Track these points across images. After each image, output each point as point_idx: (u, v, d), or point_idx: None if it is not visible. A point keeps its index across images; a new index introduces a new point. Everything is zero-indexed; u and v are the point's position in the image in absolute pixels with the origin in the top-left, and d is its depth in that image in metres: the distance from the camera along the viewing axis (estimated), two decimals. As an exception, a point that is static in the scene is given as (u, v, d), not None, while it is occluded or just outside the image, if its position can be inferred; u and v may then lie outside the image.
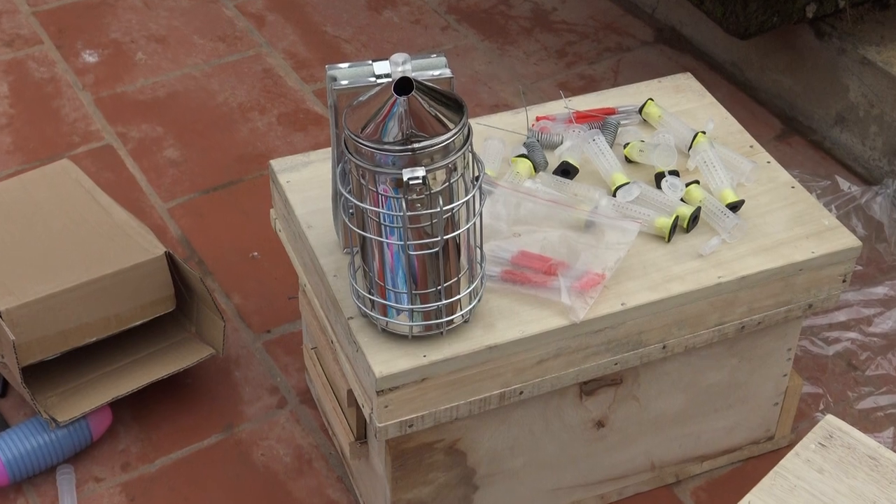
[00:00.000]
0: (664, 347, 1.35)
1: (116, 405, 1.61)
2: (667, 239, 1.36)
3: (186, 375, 1.69)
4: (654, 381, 1.41)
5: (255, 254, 1.89)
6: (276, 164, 1.47)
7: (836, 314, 1.74)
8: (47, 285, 1.54)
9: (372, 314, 1.24)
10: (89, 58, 2.31)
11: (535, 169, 1.43)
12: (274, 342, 1.76)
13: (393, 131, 1.12)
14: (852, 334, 1.71)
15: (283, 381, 1.70)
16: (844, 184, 1.94)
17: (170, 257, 1.60)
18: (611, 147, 1.45)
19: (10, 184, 1.76)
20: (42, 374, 1.57)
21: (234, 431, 1.63)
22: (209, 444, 1.62)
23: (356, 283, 1.24)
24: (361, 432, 1.40)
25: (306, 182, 1.44)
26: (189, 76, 2.27)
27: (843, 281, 1.39)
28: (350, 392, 1.34)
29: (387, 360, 1.23)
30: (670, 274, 1.33)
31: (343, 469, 1.57)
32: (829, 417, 1.18)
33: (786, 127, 2.13)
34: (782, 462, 1.13)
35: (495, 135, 1.46)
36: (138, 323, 1.60)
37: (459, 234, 1.19)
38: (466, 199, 1.17)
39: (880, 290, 1.77)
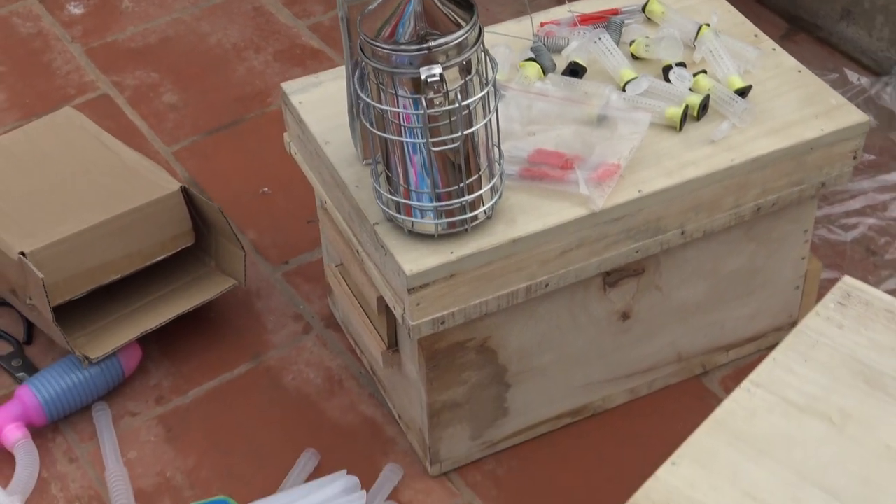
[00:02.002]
0: (683, 233, 1.49)
1: (145, 343, 1.76)
2: (678, 128, 1.50)
3: (210, 310, 1.83)
4: (675, 270, 1.56)
5: (266, 189, 2.03)
6: (287, 86, 1.61)
7: (851, 202, 1.89)
8: (68, 226, 1.68)
9: (398, 216, 1.38)
10: (74, 10, 2.44)
11: (544, 72, 1.58)
12: (293, 272, 1.90)
13: (408, 32, 1.26)
14: (869, 220, 1.86)
15: (306, 308, 1.85)
16: (853, 76, 2.08)
17: (185, 192, 1.74)
18: (617, 46, 1.59)
19: (15, 135, 1.90)
20: (69, 315, 1.71)
21: (262, 359, 1.78)
22: (239, 373, 1.76)
23: (380, 187, 1.39)
24: (393, 340, 1.55)
25: (318, 102, 1.58)
26: (179, 20, 2.41)
27: (854, 157, 1.54)
28: (380, 299, 1.49)
29: (415, 259, 1.37)
30: (684, 160, 1.47)
31: (374, 386, 1.72)
32: (846, 278, 1.33)
33: (791, 25, 2.28)
34: (803, 321, 1.28)
35: (501, 42, 1.60)
36: (160, 258, 1.74)
37: (477, 131, 1.33)
38: (482, 94, 1.31)
39: (895, 177, 1.92)
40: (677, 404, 1.68)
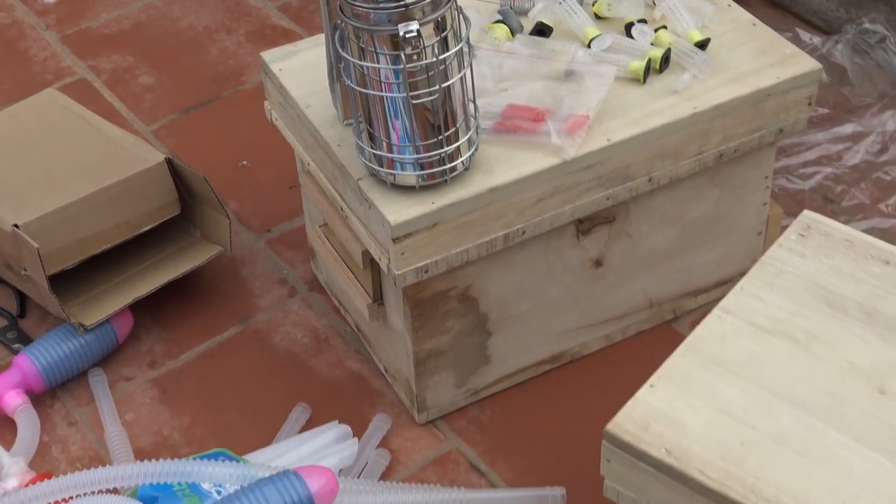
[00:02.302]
0: (650, 180, 1.57)
1: (135, 311, 1.82)
2: (642, 80, 1.58)
3: (197, 277, 1.90)
4: (644, 217, 1.63)
5: (245, 162, 2.09)
6: (266, 55, 1.68)
7: (807, 154, 1.97)
8: (58, 199, 1.74)
9: (381, 170, 1.45)
10: (47, -1, 2.49)
11: (512, 33, 1.65)
12: (275, 240, 1.97)
13: (385, -9, 1.33)
14: (825, 170, 1.94)
15: (290, 272, 1.91)
16: (805, 35, 2.17)
17: (170, 163, 1.80)
18: (580, 6, 1.66)
19: (-1, 117, 1.96)
20: (62, 286, 1.76)
21: (250, 322, 1.84)
22: (228, 336, 1.83)
23: (363, 143, 1.45)
24: (378, 294, 1.61)
25: (297, 69, 1.65)
26: (150, 6, 2.46)
27: (809, 104, 1.62)
28: (365, 253, 1.55)
29: (398, 210, 1.44)
30: (649, 110, 1.55)
31: (360, 342, 1.79)
32: (806, 212, 1.41)
33: (743, -10, 2.35)
34: (768, 252, 1.36)
35: (471, 6, 1.67)
36: (147, 228, 1.80)
37: (453, 85, 1.40)
38: (456, 48, 1.38)
39: (848, 128, 2.01)
40: (650, 349, 1.76)
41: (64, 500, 1.42)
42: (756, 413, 1.21)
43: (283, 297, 1.88)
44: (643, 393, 1.24)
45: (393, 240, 1.44)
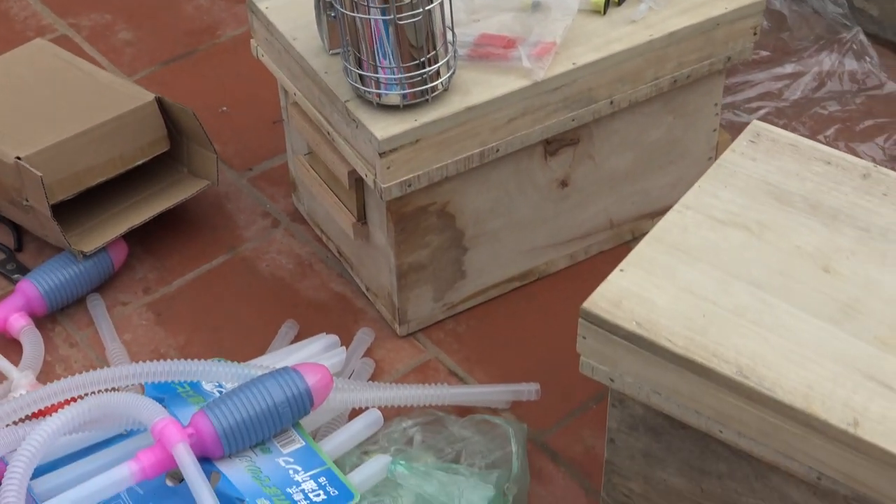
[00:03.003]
0: (612, 103, 1.70)
1: (129, 242, 1.92)
2: (602, 12, 1.71)
3: (185, 212, 2.01)
4: (605, 140, 1.77)
5: (225, 108, 2.21)
6: (253, -5, 1.80)
7: (750, 91, 2.12)
8: (55, 135, 1.85)
9: (368, 91, 1.57)
10: (25, -38, 2.58)
11: (481, -27, 1.77)
12: (258, 177, 2.08)
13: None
14: (768, 105, 2.09)
15: (273, 206, 2.03)
16: (747, -14, 2.31)
17: (160, 102, 1.91)
18: (543, -52, 1.79)
19: (-9, 65, 2.05)
20: (60, 217, 1.87)
21: (237, 251, 1.96)
22: (217, 263, 1.94)
23: (350, 66, 1.57)
24: (362, 213, 1.73)
25: (283, 6, 1.76)
26: (126, -33, 2.56)
27: (754, 34, 1.76)
28: (351, 173, 1.68)
29: (384, 127, 1.57)
30: (609, 38, 1.68)
31: (342, 267, 1.91)
32: (756, 122, 1.55)
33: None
34: (722, 156, 1.50)
35: (442, -52, 1.80)
36: (140, 162, 1.91)
37: (434, 9, 1.53)
38: (438, -25, 1.51)
39: (788, 68, 2.15)
40: (611, 268, 1.87)
41: (72, 399, 1.52)
42: (715, 291, 1.35)
43: (267, 228, 1.99)
44: (614, 276, 1.37)
45: (380, 154, 1.57)
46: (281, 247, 1.96)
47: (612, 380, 1.36)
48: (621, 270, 1.38)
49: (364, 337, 1.79)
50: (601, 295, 1.35)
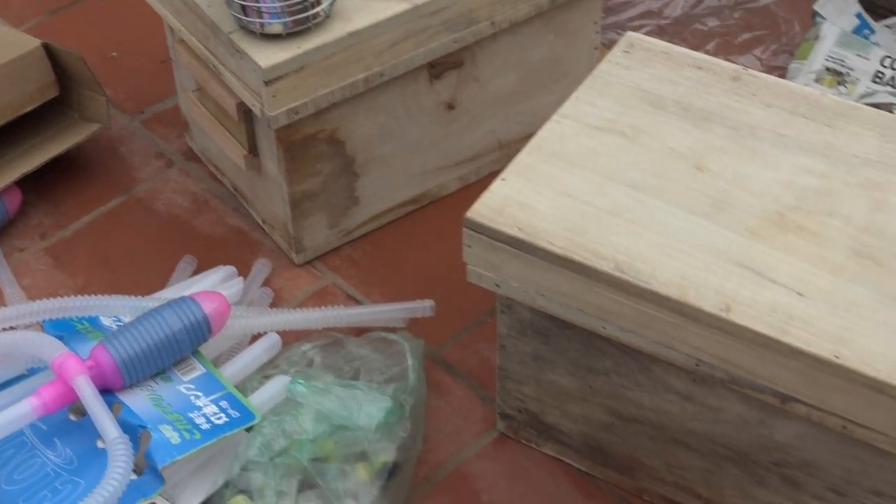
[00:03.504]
0: (492, 24, 1.74)
1: (22, 189, 1.93)
2: (478, -65, 1.75)
3: (78, 157, 2.01)
4: (488, 61, 1.80)
5: (114, 54, 2.21)
6: (132, -66, 1.80)
7: (632, 11, 2.17)
8: (-58, 84, 1.84)
9: (251, 21, 1.59)
10: None
11: None
12: (150, 119, 2.09)
13: None
14: (650, 23, 2.14)
15: (166, 146, 2.04)
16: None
17: (46, 48, 1.91)
18: None
19: None
20: (-50, 167, 1.87)
21: (132, 193, 1.97)
22: (113, 205, 1.95)
23: (231, -4, 1.60)
24: (252, 145, 1.76)
25: (163, -55, 1.78)
26: (7, -80, 2.55)
27: (628, -49, 1.80)
28: (239, 105, 1.70)
29: (268, 56, 1.59)
30: (486, -40, 1.72)
31: (237, 202, 1.93)
32: (630, 33, 1.59)
33: None
34: (597, 67, 1.55)
35: None
36: (29, 108, 1.91)
37: (311, -64, 1.55)
38: None
39: (665, -12, 2.21)
40: (502, 190, 1.93)
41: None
42: (593, 194, 1.39)
43: (161, 168, 2.00)
44: (496, 185, 1.41)
45: (265, 83, 1.59)
46: (176, 186, 1.98)
47: (498, 285, 1.41)
48: (503, 179, 1.42)
49: (262, 267, 1.81)
50: (483, 204, 1.39)
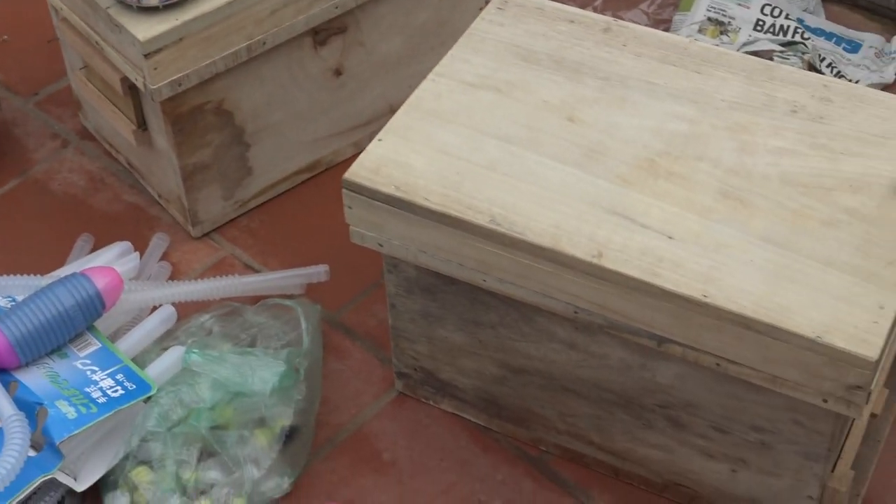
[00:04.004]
0: (373, -13, 1.76)
1: (-85, 175, 1.93)
2: None
3: (-29, 141, 2.01)
4: (373, 26, 1.82)
5: (6, 37, 2.20)
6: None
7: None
8: None
9: (125, -5, 1.60)
10: None
11: None
12: (43, 101, 2.09)
13: None
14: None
15: (61, 127, 2.04)
16: None
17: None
18: None
19: None
20: None
21: (28, 174, 1.97)
22: (9, 188, 1.95)
23: (106, -29, 1.60)
24: (141, 119, 1.76)
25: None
26: None
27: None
28: (124, 80, 1.70)
29: (146, 29, 1.60)
30: (363, -76, 1.73)
31: (133, 178, 1.94)
32: (503, -8, 1.61)
33: None
34: (472, 25, 1.57)
35: None
36: (-83, 94, 1.91)
37: None
38: None
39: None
40: (398, 153, 1.95)
41: None
42: (468, 149, 1.42)
43: (56, 149, 2.01)
44: (373, 146, 1.43)
45: (145, 56, 1.60)
46: (72, 165, 1.98)
47: (381, 245, 1.43)
48: (379, 140, 1.44)
49: (159, 242, 1.82)
50: (361, 164, 1.41)
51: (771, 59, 1.91)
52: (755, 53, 1.92)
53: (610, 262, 1.30)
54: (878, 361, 1.22)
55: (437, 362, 1.57)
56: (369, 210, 1.41)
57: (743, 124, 1.42)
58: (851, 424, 1.42)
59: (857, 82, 1.92)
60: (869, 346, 1.21)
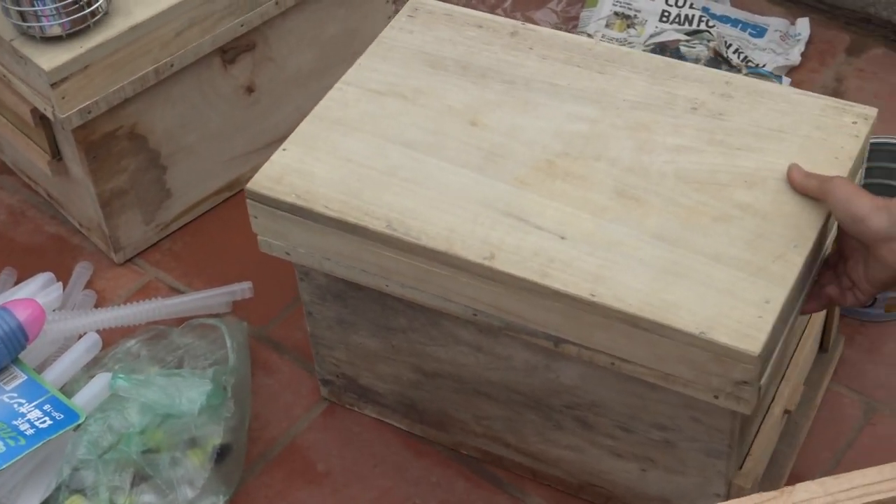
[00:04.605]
0: (277, 3, 1.77)
1: None
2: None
3: None
4: (282, 41, 1.83)
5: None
6: None
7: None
8: None
9: (30, 26, 1.60)
10: None
11: None
12: (-40, 138, 2.08)
13: None
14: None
15: (-24, 163, 2.04)
16: None
17: None
18: None
19: None
20: None
21: (-52, 212, 1.96)
22: (-71, 226, 1.95)
23: (7, 4, 1.59)
24: (55, 149, 1.76)
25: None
26: None
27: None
28: (34, 111, 1.70)
29: (51, 58, 1.61)
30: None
31: (53, 209, 1.94)
32: (415, -2, 1.62)
33: None
34: (382, 33, 1.58)
35: None
36: None
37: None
38: None
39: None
40: (318, 166, 1.96)
41: None
42: (371, 157, 1.43)
43: (-26, 185, 2.00)
44: (277, 156, 1.44)
45: (51, 86, 1.60)
46: (-10, 200, 1.98)
47: (288, 253, 1.44)
48: (283, 150, 1.45)
49: (82, 270, 1.82)
50: (264, 174, 1.43)
51: (678, 49, 1.93)
52: (662, 44, 1.94)
53: (501, 264, 1.30)
54: (761, 356, 1.21)
55: (357, 368, 1.58)
56: (273, 219, 1.42)
57: (643, 123, 1.43)
58: (762, 421, 1.43)
59: (764, 66, 1.95)
60: (752, 341, 1.21)
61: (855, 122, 1.40)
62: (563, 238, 1.32)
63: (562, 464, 1.51)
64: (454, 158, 1.41)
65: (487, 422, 1.52)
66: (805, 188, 1.32)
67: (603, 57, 1.51)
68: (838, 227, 1.34)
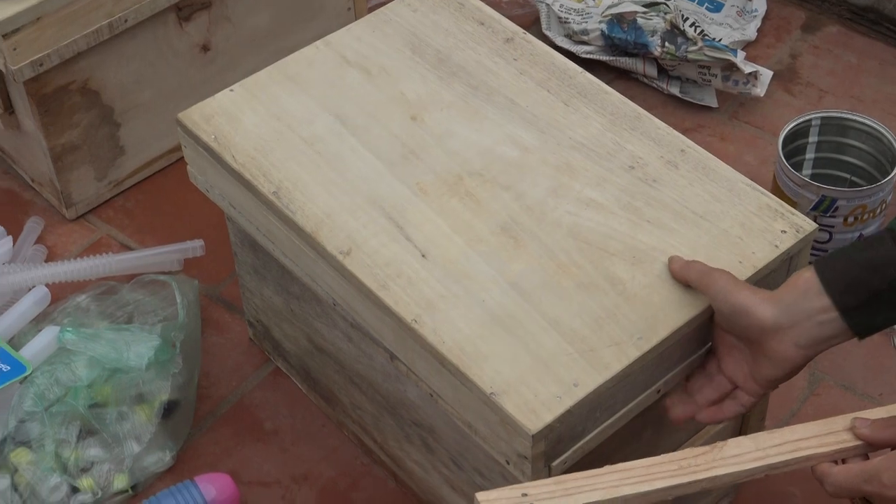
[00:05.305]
0: (233, -38, 1.76)
1: None
2: None
3: None
4: (239, 1, 1.81)
5: None
6: None
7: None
8: None
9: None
10: None
11: None
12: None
13: None
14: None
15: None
16: None
17: None
18: None
19: None
20: None
21: None
22: None
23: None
24: (7, 103, 1.76)
25: None
26: None
27: None
28: (-14, 63, 1.69)
29: (3, 9, 1.63)
30: None
31: (6, 163, 1.94)
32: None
33: None
34: (389, 5, 1.54)
35: None
36: None
37: None
38: None
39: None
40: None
41: None
42: (301, 121, 1.42)
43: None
44: (221, 94, 1.46)
45: (3, 36, 1.59)
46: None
47: (207, 191, 1.47)
48: (231, 90, 1.45)
49: (33, 225, 1.82)
50: (199, 109, 1.45)
51: (634, 20, 1.93)
52: (619, 16, 1.94)
53: (351, 263, 1.27)
54: (541, 436, 1.13)
55: (269, 320, 1.62)
56: (196, 154, 1.44)
57: (572, 166, 1.35)
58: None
59: (720, 40, 1.95)
60: (535, 419, 1.13)
61: (784, 232, 1.28)
62: (423, 256, 1.27)
63: (413, 477, 1.49)
64: (373, 146, 1.38)
65: (359, 412, 1.52)
66: (685, 277, 1.22)
67: (579, 89, 1.43)
68: (714, 325, 1.24)
